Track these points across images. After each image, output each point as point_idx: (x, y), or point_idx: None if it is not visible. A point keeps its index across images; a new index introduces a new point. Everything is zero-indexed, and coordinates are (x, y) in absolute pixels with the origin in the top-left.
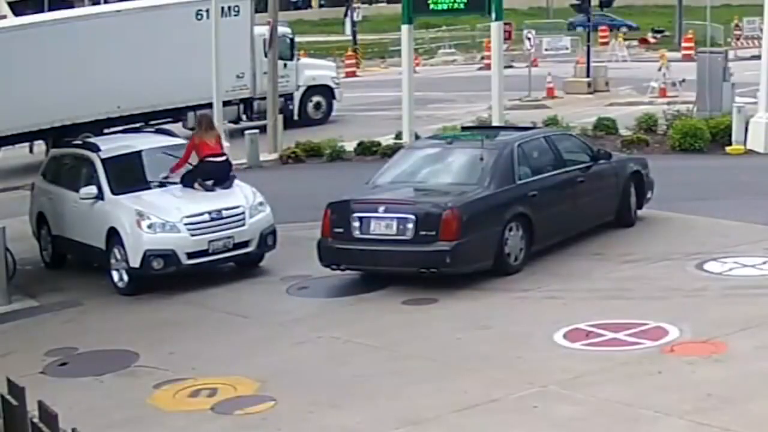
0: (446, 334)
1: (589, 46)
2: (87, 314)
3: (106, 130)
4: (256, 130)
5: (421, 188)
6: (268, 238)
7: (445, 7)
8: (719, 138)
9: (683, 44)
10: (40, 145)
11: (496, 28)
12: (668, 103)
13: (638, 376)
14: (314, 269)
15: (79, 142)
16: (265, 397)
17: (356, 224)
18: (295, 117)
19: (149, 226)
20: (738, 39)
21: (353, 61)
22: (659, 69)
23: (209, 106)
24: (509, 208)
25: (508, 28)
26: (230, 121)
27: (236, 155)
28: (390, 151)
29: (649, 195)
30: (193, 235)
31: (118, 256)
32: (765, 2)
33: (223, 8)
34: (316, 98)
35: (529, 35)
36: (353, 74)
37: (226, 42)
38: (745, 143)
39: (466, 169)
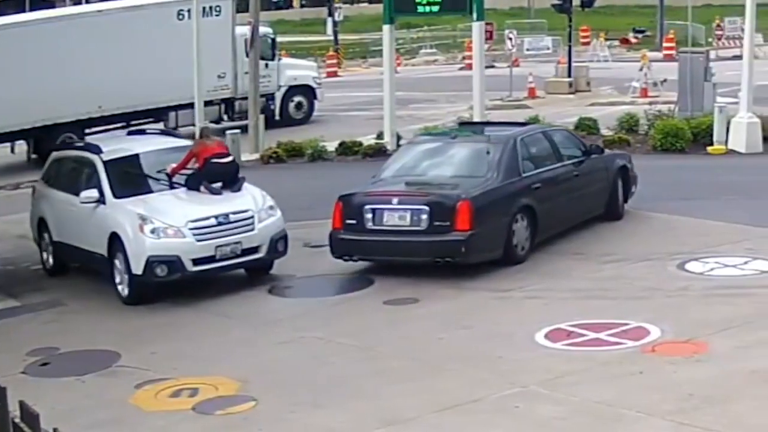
0: (428, 334)
1: (570, 46)
2: (69, 314)
3: (87, 130)
4: (238, 130)
5: (431, 181)
6: (278, 244)
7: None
8: (701, 138)
9: (664, 44)
10: (21, 146)
11: (477, 28)
12: (650, 103)
13: (620, 376)
14: (297, 269)
15: (81, 143)
16: (247, 397)
17: (369, 216)
18: (277, 117)
19: (152, 231)
20: (719, 39)
21: (334, 61)
22: (640, 69)
23: (190, 106)
24: (516, 199)
25: (490, 28)
26: (211, 121)
27: None
28: (372, 151)
29: (633, 189)
30: (198, 241)
31: (121, 263)
32: (746, 2)
33: (204, 8)
34: (297, 98)
35: (511, 35)
36: (334, 74)
37: (208, 42)
38: (726, 143)
39: (473, 161)
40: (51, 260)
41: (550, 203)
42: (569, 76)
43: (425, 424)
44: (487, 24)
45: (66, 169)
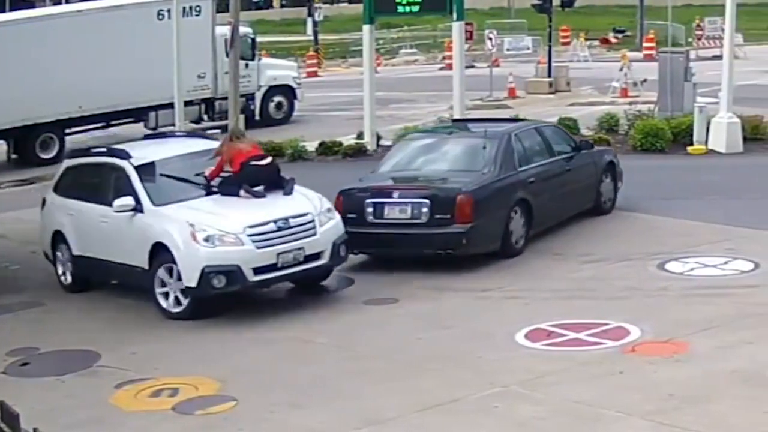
0: (407, 334)
1: (550, 47)
2: (48, 314)
3: (67, 130)
4: (218, 130)
5: (430, 175)
6: (340, 249)
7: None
8: (681, 138)
9: (645, 44)
10: (1, 146)
11: (457, 28)
12: (630, 103)
13: (600, 376)
14: None
15: (103, 149)
16: (227, 397)
17: (370, 210)
18: (257, 117)
19: (206, 239)
20: (699, 39)
21: (315, 61)
22: (620, 69)
23: (171, 106)
24: (513, 193)
25: (470, 28)
26: (191, 121)
27: None
28: (352, 151)
29: (619, 185)
30: (259, 248)
31: (169, 276)
32: (726, 2)
33: (184, 8)
34: (277, 98)
35: (491, 35)
36: (315, 74)
37: (188, 42)
38: (706, 143)
39: (470, 156)
40: (70, 277)
41: (545, 197)
42: (549, 76)
43: (406, 423)
44: (467, 24)
45: (87, 178)
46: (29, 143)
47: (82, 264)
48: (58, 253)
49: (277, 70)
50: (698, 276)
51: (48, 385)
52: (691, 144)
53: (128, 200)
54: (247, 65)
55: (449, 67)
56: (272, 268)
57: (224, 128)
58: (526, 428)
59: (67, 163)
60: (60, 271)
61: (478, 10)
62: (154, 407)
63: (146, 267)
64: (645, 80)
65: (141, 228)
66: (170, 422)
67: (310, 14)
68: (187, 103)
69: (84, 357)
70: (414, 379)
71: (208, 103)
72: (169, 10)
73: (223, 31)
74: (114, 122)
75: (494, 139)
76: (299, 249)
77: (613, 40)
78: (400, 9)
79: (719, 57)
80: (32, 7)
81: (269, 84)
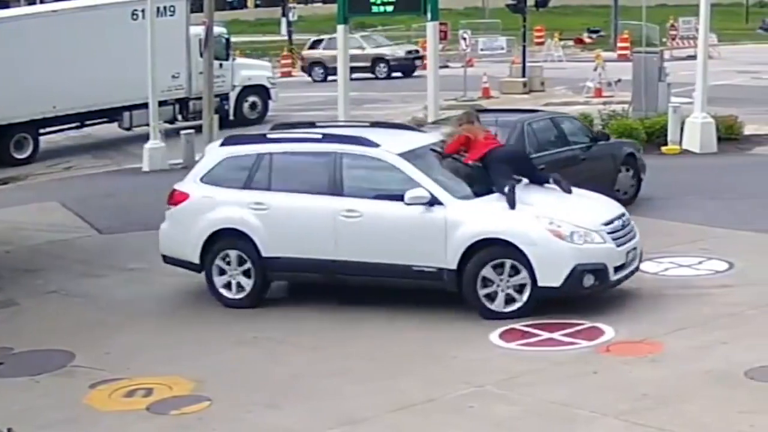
0: (384, 334)
1: (524, 46)
2: (22, 314)
3: (42, 130)
4: (192, 130)
5: None
6: (642, 254)
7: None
8: (655, 138)
9: (619, 44)
10: None
11: (431, 28)
12: (604, 103)
13: (574, 376)
14: None
15: (318, 135)
16: (201, 397)
17: None
18: (231, 117)
19: (571, 236)
20: (674, 39)
21: (289, 61)
22: (595, 69)
23: (145, 106)
24: None
25: (444, 28)
26: (166, 121)
27: (172, 155)
28: None
29: (642, 176)
30: (618, 245)
31: (498, 277)
32: (700, 2)
33: (158, 8)
34: (251, 98)
35: (465, 35)
36: (289, 74)
37: (162, 42)
38: (680, 143)
39: None
40: (248, 285)
41: None
42: (523, 76)
43: (381, 423)
44: (441, 24)
45: (295, 167)
46: (3, 143)
47: (280, 267)
48: (224, 259)
49: (252, 70)
50: (673, 276)
51: (22, 385)
52: (666, 144)
53: (422, 192)
54: (221, 65)
55: (423, 67)
56: (622, 267)
57: (198, 128)
58: (502, 428)
59: (224, 152)
60: (223, 281)
61: (453, 10)
62: (129, 407)
63: (452, 267)
64: (619, 80)
65: (442, 223)
66: (145, 422)
67: (284, 14)
68: (162, 103)
69: (58, 357)
70: (389, 378)
71: (183, 103)
72: (143, 11)
73: (198, 31)
74: (88, 122)
75: (505, 128)
76: (635, 248)
77: (588, 40)
78: (375, 9)
79: (693, 57)
80: (6, 7)
81: (243, 84)
